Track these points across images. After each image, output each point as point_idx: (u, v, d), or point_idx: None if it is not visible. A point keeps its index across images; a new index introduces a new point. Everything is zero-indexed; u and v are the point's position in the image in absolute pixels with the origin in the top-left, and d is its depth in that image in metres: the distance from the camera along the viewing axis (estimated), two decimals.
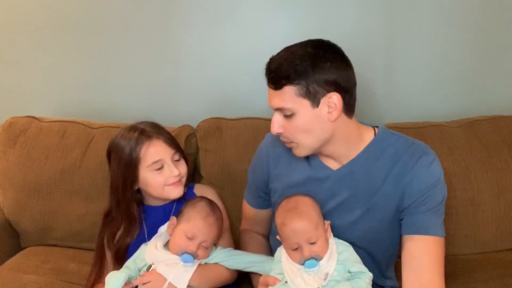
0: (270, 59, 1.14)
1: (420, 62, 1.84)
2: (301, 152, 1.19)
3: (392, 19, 1.80)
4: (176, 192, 1.37)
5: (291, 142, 1.17)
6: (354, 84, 1.15)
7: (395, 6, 1.79)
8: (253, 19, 1.83)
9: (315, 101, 1.10)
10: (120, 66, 1.89)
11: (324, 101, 1.11)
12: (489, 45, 1.83)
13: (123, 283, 1.21)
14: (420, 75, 1.85)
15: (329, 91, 1.10)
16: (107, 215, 1.43)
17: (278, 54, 1.14)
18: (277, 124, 1.15)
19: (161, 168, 1.35)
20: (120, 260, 1.38)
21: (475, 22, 1.80)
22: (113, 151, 1.39)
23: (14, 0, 1.86)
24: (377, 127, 1.25)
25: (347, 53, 1.16)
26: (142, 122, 1.41)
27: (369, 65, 1.83)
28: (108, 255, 1.42)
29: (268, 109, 1.20)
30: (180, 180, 1.38)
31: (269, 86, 1.15)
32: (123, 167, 1.35)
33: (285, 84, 1.10)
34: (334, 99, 1.10)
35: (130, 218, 1.39)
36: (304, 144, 1.16)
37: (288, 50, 1.13)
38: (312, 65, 1.09)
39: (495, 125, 1.66)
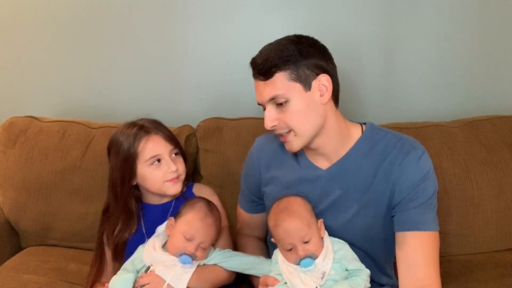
0: (254, 57, 1.17)
1: (420, 62, 1.84)
2: (295, 143, 1.18)
3: (392, 19, 1.80)
4: (174, 188, 1.37)
5: (288, 131, 1.17)
6: (336, 71, 1.18)
7: (395, 6, 1.79)
8: (253, 19, 1.83)
9: (306, 85, 1.12)
10: (120, 66, 1.89)
11: (315, 84, 1.13)
12: (489, 45, 1.82)
13: (132, 285, 1.21)
14: (420, 75, 1.85)
15: (318, 74, 1.12)
16: (106, 211, 1.43)
17: (260, 50, 1.17)
18: (270, 117, 1.16)
19: (158, 163, 1.36)
20: (119, 257, 1.38)
21: (476, 21, 1.80)
22: (112, 147, 1.40)
23: (14, 0, 1.86)
24: (364, 124, 1.25)
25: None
26: (142, 119, 1.42)
27: (369, 65, 1.83)
28: (108, 253, 1.42)
29: None
30: (178, 177, 1.38)
31: (258, 79, 1.16)
32: (121, 161, 1.36)
33: (275, 72, 1.12)
34: (323, 80, 1.13)
35: (128, 213, 1.39)
36: (301, 130, 1.15)
37: (270, 44, 1.17)
38: (299, 50, 1.12)
39: (495, 125, 1.66)
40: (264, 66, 1.13)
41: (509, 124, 1.66)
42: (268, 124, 1.16)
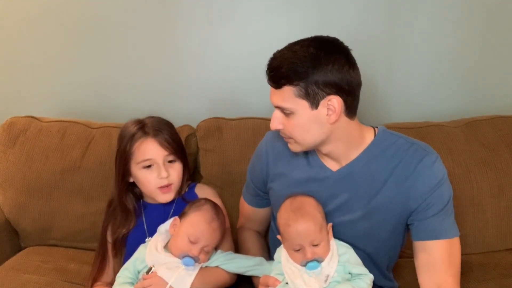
0: (273, 55, 1.13)
1: (420, 62, 1.84)
2: (296, 148, 1.18)
3: (393, 19, 1.80)
4: (163, 197, 1.36)
5: (289, 138, 1.17)
6: (358, 85, 1.13)
7: (395, 6, 1.79)
8: (253, 19, 1.83)
9: (314, 103, 1.09)
10: (120, 66, 1.89)
11: (323, 103, 1.09)
12: (489, 45, 1.83)
13: None
14: (420, 75, 1.85)
15: (329, 94, 1.09)
16: (109, 205, 1.44)
17: (281, 51, 1.12)
18: (277, 120, 1.15)
19: (150, 167, 1.35)
20: (118, 253, 1.38)
21: (476, 22, 1.80)
22: (118, 139, 1.40)
23: (14, 0, 1.86)
24: (376, 127, 1.24)
25: None
26: (149, 117, 1.41)
27: (369, 65, 1.82)
28: (110, 248, 1.42)
29: (268, 109, 1.20)
30: (169, 185, 1.36)
31: (270, 84, 1.14)
32: (119, 157, 1.37)
33: (284, 84, 1.09)
34: (333, 102, 1.09)
35: (123, 209, 1.39)
36: (301, 141, 1.15)
37: (291, 48, 1.11)
38: (312, 66, 1.07)
39: (495, 125, 1.66)
40: (275, 75, 1.10)
41: (509, 124, 1.66)
42: (274, 125, 1.16)
